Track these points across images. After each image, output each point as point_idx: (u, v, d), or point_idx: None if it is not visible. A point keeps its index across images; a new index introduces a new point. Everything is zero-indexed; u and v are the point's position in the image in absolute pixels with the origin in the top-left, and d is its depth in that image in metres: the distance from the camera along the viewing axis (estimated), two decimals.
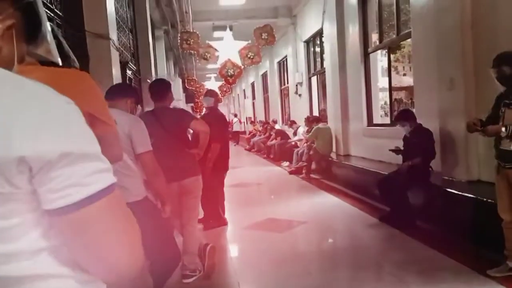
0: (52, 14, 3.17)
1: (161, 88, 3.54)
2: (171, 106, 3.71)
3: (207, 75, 21.75)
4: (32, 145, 0.63)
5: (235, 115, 23.31)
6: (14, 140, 0.62)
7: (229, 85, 13.58)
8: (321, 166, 8.55)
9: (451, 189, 4.42)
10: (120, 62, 5.07)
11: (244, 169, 10.71)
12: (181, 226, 3.54)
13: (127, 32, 6.48)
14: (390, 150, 4.99)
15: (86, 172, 0.67)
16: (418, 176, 4.69)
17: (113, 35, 4.47)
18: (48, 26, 0.89)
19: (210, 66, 14.70)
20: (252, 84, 21.24)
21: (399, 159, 5.13)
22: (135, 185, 2.60)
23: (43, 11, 0.86)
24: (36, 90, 0.68)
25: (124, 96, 2.76)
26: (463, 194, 4.19)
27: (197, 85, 17.11)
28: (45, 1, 3.01)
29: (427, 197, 4.79)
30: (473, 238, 3.89)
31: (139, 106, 3.44)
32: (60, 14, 3.40)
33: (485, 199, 3.86)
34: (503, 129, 3.00)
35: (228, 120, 13.16)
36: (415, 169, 4.70)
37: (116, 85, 3.15)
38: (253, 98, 21.58)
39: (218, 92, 18.95)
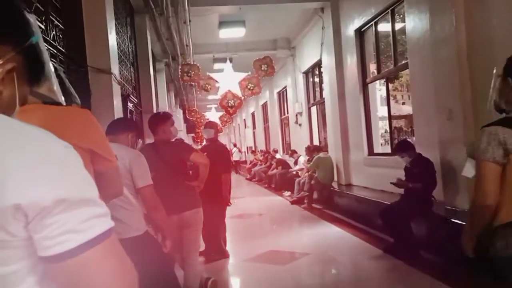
0: (55, 51, 3.23)
1: (160, 121, 3.56)
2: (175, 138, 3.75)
3: (207, 106, 21.94)
4: (28, 192, 0.63)
5: (235, 145, 23.37)
6: (10, 187, 0.62)
7: (229, 116, 13.68)
8: (323, 196, 8.50)
9: (454, 218, 4.38)
10: (122, 95, 5.12)
11: (246, 200, 10.64)
12: (182, 260, 3.49)
13: (129, 65, 6.58)
14: (391, 183, 4.96)
15: (82, 218, 0.66)
16: (421, 206, 4.65)
17: (115, 69, 4.54)
18: (51, 66, 0.90)
19: (210, 96, 14.88)
20: (253, 114, 21.40)
21: (401, 189, 5.10)
22: (136, 219, 2.58)
23: (45, 53, 0.86)
24: (33, 135, 0.68)
25: (125, 130, 2.78)
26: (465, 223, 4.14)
27: (198, 116, 17.23)
28: (48, 38, 3.08)
29: (430, 227, 4.74)
30: (478, 268, 3.82)
31: (139, 140, 3.45)
32: (63, 50, 3.46)
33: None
34: None
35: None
36: (417, 199, 4.67)
37: (117, 120, 3.17)
38: (254, 127, 21.69)
39: (219, 122, 19.09)
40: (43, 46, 0.84)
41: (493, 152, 1.74)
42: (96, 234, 0.67)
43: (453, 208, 4.78)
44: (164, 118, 3.59)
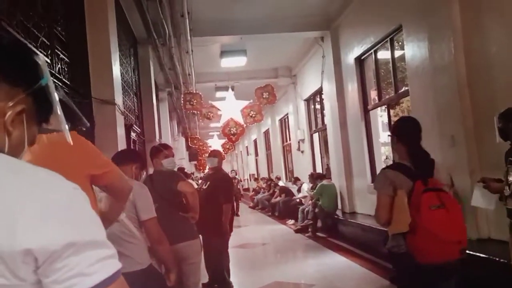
0: (60, 83, 3.27)
1: (151, 154, 3.68)
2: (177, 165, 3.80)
3: (210, 133, 22.03)
4: (38, 237, 0.63)
5: (236, 173, 23.29)
6: (19, 232, 0.62)
7: (232, 143, 13.71)
8: (327, 224, 8.40)
9: None
10: (125, 125, 5.15)
11: (249, 228, 10.54)
12: None
13: (132, 95, 6.65)
14: None
15: (90, 261, 0.66)
16: None
17: (119, 99, 4.58)
18: (59, 108, 0.90)
19: (213, 124, 14.96)
20: (255, 141, 21.45)
21: None
22: (140, 253, 2.54)
23: (54, 94, 0.87)
24: (41, 179, 0.69)
25: (129, 162, 2.77)
26: (474, 253, 4.07)
27: (200, 144, 17.28)
28: (53, 72, 3.12)
29: None
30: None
31: (143, 171, 3.45)
32: (68, 82, 3.50)
33: (497, 259, 3.75)
34: (506, 187, 2.95)
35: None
36: None
37: (121, 152, 3.18)
38: (256, 154, 21.71)
39: (221, 149, 19.12)
40: (53, 87, 0.84)
41: (386, 188, 2.43)
42: (105, 276, 0.67)
43: None
44: (156, 150, 3.67)
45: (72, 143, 1.00)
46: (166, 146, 3.81)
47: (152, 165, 3.63)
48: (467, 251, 4.11)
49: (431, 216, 2.30)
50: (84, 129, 1.62)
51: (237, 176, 19.73)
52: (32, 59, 0.80)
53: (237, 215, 12.53)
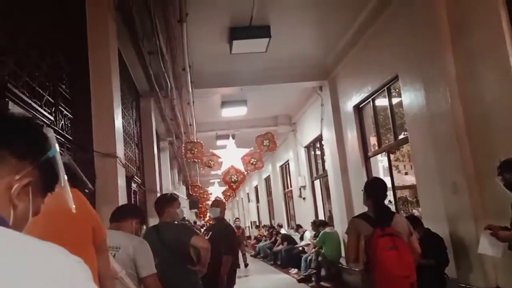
0: (63, 139, 3.32)
1: (167, 203, 3.57)
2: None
3: (210, 181, 21.97)
4: None
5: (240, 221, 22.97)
6: None
7: (233, 190, 13.64)
8: (331, 273, 8.21)
9: None
10: (126, 177, 5.16)
11: (251, 278, 10.27)
12: None
13: (133, 146, 6.71)
14: None
15: None
16: (434, 283, 4.47)
17: (120, 152, 4.62)
18: (65, 174, 0.92)
19: (213, 172, 14.95)
20: (256, 188, 21.35)
21: None
22: None
23: (60, 164, 0.89)
24: (43, 254, 0.69)
25: (129, 217, 2.77)
26: None
27: (201, 191, 17.19)
28: (56, 128, 3.18)
29: None
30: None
31: (144, 226, 3.43)
32: (71, 138, 3.56)
33: None
34: None
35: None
36: (430, 276, 4.49)
37: (121, 206, 3.17)
38: (257, 201, 21.54)
39: (222, 197, 18.99)
40: (59, 157, 0.86)
41: (352, 233, 3.12)
42: None
43: (467, 286, 4.59)
44: (171, 199, 3.61)
45: (75, 211, 1.02)
46: (177, 196, 3.80)
47: (160, 215, 3.52)
48: None
49: (385, 255, 2.93)
50: (87, 191, 1.66)
51: (241, 225, 19.30)
52: (40, 133, 0.83)
53: (246, 264, 12.52)
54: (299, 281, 8.97)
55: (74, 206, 1.02)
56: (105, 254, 1.89)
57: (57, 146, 0.86)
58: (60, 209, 1.31)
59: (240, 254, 10.14)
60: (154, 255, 2.94)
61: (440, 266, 4.51)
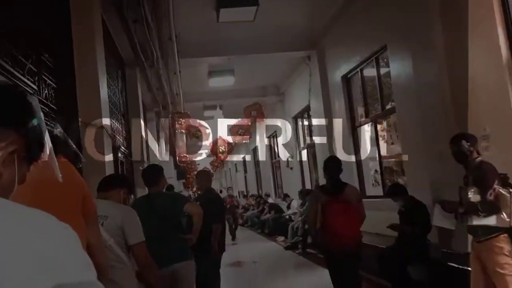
0: (47, 109, 3.26)
1: (154, 173, 3.58)
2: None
3: (198, 152, 21.97)
4: (25, 281, 0.62)
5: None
6: (7, 278, 0.62)
7: (220, 161, 13.70)
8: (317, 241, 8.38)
9: (450, 262, 4.34)
10: (113, 147, 5.12)
11: (239, 246, 10.46)
12: None
13: (120, 117, 6.63)
14: (388, 227, 4.93)
15: None
16: (417, 249, 4.61)
17: (106, 122, 4.57)
18: (50, 143, 0.91)
19: (201, 142, 14.94)
20: (244, 158, 21.43)
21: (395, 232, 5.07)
22: (128, 278, 2.53)
23: (46, 133, 0.88)
24: (30, 221, 0.68)
25: (117, 186, 2.77)
26: (463, 267, 4.11)
27: (189, 162, 17.21)
28: (40, 98, 3.12)
29: (427, 271, 4.67)
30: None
31: (131, 195, 3.44)
32: (55, 108, 3.50)
33: None
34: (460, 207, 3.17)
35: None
36: (413, 243, 4.63)
37: (108, 176, 3.17)
38: (245, 172, 21.67)
39: (210, 167, 19.04)
40: (44, 126, 0.85)
41: (313, 201, 3.98)
42: None
43: (449, 251, 4.74)
44: (162, 169, 3.63)
45: (61, 181, 1.01)
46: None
47: (153, 185, 3.53)
48: (457, 265, 4.18)
49: (335, 217, 3.74)
50: (80, 162, 1.65)
51: (234, 195, 19.28)
52: (25, 101, 0.82)
53: (233, 237, 11.97)
54: (286, 248, 9.17)
55: (60, 176, 1.02)
56: (96, 224, 1.89)
57: (41, 115, 0.85)
58: (47, 179, 1.31)
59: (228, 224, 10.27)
60: (145, 224, 2.97)
61: (423, 232, 4.64)
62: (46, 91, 3.32)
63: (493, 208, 3.06)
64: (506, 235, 3.05)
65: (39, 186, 1.34)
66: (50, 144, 0.91)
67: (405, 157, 6.04)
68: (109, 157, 4.52)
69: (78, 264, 0.70)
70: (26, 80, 2.74)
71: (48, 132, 1.61)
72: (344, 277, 3.85)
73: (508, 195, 3.06)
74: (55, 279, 0.64)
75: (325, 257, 4.29)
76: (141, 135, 7.89)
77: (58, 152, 1.59)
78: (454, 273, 4.20)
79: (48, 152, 0.90)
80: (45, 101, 3.22)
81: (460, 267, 4.15)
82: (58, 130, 1.74)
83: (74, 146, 1.73)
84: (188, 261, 3.41)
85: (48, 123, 3.26)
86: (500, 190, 3.09)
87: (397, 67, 5.75)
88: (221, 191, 19.30)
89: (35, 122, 0.81)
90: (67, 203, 1.49)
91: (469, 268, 3.99)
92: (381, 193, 7.23)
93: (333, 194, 3.89)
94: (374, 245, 5.86)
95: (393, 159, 13.71)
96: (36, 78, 3.11)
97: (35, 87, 3.00)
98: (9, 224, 0.67)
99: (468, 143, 3.30)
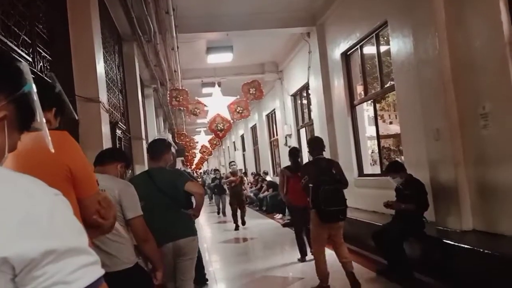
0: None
1: (161, 147, 3.53)
2: None
3: (196, 129, 21.95)
4: (15, 245, 0.62)
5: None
6: None
7: (219, 139, 13.68)
8: None
9: (446, 239, 4.38)
10: (110, 123, 5.10)
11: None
12: None
13: (117, 92, 6.58)
14: (384, 205, 4.94)
15: (71, 268, 0.65)
16: (413, 227, 4.65)
17: (103, 97, 4.53)
18: (41, 112, 0.89)
19: (199, 120, 14.89)
20: (242, 137, 21.43)
21: (392, 210, 5.09)
22: (126, 252, 2.53)
23: (36, 99, 0.86)
24: (21, 187, 0.68)
25: (114, 160, 2.74)
26: (458, 244, 4.15)
27: (187, 140, 17.21)
28: (35, 70, 3.07)
29: (423, 249, 4.73)
30: None
31: (129, 170, 3.42)
32: (50, 81, 3.45)
33: (481, 250, 3.82)
34: None
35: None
36: (409, 220, 4.66)
37: (105, 150, 3.13)
38: (243, 150, 21.70)
39: (208, 145, 19.04)
40: (35, 94, 0.83)
41: (281, 176, 6.15)
42: (86, 283, 0.66)
43: (445, 229, 4.79)
44: (169, 145, 3.59)
45: (53, 151, 0.99)
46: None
47: (157, 160, 3.47)
48: (453, 242, 4.22)
49: (293, 187, 5.62)
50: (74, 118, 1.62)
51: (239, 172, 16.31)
52: (14, 66, 0.80)
53: (242, 222, 10.06)
54: (284, 225, 9.25)
55: (52, 146, 1.00)
56: (92, 197, 1.77)
57: (33, 83, 0.82)
58: (32, 149, 1.28)
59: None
60: (147, 200, 2.97)
61: (420, 210, 4.66)
62: (41, 64, 3.27)
63: None
64: None
65: (29, 155, 1.32)
66: (42, 114, 0.89)
67: (403, 135, 6.04)
68: (106, 132, 4.50)
69: (69, 230, 0.69)
70: (19, 51, 2.69)
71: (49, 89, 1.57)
72: (298, 219, 5.88)
73: None
74: (46, 244, 0.64)
75: (288, 209, 7.16)
76: (139, 111, 7.85)
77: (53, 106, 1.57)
78: (449, 250, 4.25)
79: (40, 121, 0.89)
80: (40, 74, 3.17)
81: (456, 244, 4.19)
82: (49, 74, 1.70)
83: (66, 96, 1.69)
84: (192, 236, 3.41)
85: (48, 69, 3.20)
86: None
87: (397, 43, 5.68)
88: (215, 170, 18.75)
89: (25, 89, 0.79)
90: (52, 174, 1.45)
91: (465, 246, 4.05)
92: (379, 172, 7.26)
93: (293, 172, 5.76)
94: (371, 223, 5.91)
95: (391, 138, 13.80)
96: (31, 49, 3.06)
97: (29, 59, 2.95)
98: (1, 188, 0.66)
99: None
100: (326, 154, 8.64)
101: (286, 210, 9.48)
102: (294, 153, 6.14)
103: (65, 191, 1.50)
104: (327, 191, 4.18)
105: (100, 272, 0.70)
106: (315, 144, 4.70)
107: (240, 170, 14.32)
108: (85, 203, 1.54)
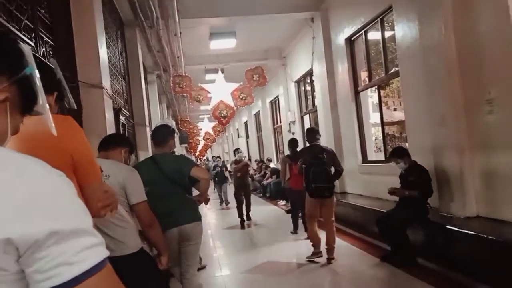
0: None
1: (165, 133, 3.52)
2: None
3: (200, 116, 21.93)
4: (19, 226, 0.62)
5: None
6: (1, 222, 0.61)
7: (222, 126, 13.67)
8: None
9: (450, 225, 4.38)
10: (114, 109, 5.09)
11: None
12: (181, 274, 3.43)
13: (120, 78, 6.55)
14: (389, 192, 4.94)
15: (75, 249, 0.65)
16: (417, 213, 4.65)
17: (106, 83, 4.51)
18: (44, 96, 0.88)
19: (203, 107, 14.87)
20: (246, 124, 21.39)
21: (396, 197, 5.09)
22: (131, 237, 2.54)
23: (39, 82, 0.85)
24: (25, 168, 0.67)
25: (118, 146, 2.74)
26: (462, 230, 4.15)
27: (191, 126, 17.20)
28: (37, 55, 3.05)
29: (427, 235, 4.73)
30: (475, 275, 3.82)
31: (133, 155, 3.41)
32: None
33: (485, 236, 3.82)
34: None
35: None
36: (413, 207, 4.66)
37: (109, 136, 3.13)
38: (247, 137, 21.68)
39: (212, 132, 19.02)
40: (37, 76, 0.82)
41: (283, 164, 6.93)
42: (90, 265, 0.66)
43: (448, 215, 4.79)
44: (174, 131, 3.57)
45: (56, 134, 0.98)
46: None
47: (161, 146, 3.45)
48: (456, 228, 4.22)
49: (293, 173, 6.25)
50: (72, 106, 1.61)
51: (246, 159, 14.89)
52: (16, 48, 0.79)
53: (248, 216, 9.03)
54: (287, 212, 9.25)
55: (54, 129, 0.99)
56: (94, 184, 1.72)
57: (35, 66, 0.81)
58: (35, 133, 1.27)
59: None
60: (153, 185, 2.97)
61: (424, 196, 4.65)
62: (44, 49, 3.25)
63: None
64: None
65: (32, 139, 1.31)
66: (44, 97, 0.88)
67: (407, 122, 6.00)
68: (109, 119, 4.49)
69: (74, 211, 0.69)
70: (22, 36, 2.67)
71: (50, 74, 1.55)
72: (296, 201, 6.61)
73: None
74: (50, 225, 0.64)
75: (286, 192, 7.73)
76: (143, 98, 7.83)
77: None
78: (453, 237, 4.25)
79: (42, 105, 0.88)
80: (42, 59, 3.15)
81: (460, 230, 4.18)
82: (60, 73, 1.69)
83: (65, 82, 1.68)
84: (197, 222, 3.42)
85: (50, 54, 3.19)
86: None
87: (403, 28, 5.61)
88: (216, 158, 18.41)
89: (27, 71, 0.79)
90: (58, 158, 1.44)
91: (469, 232, 4.05)
92: (383, 159, 7.24)
93: (293, 160, 6.29)
94: (375, 209, 5.91)
95: (395, 125, 13.74)
96: (33, 34, 3.04)
97: (31, 43, 2.92)
98: (3, 171, 0.65)
99: None
100: (330, 140, 8.73)
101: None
102: (293, 143, 6.90)
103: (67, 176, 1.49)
104: (316, 171, 5.00)
105: (105, 253, 0.69)
106: (311, 133, 5.46)
107: (245, 157, 14.16)
108: (87, 190, 1.53)
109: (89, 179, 1.54)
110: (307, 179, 5.07)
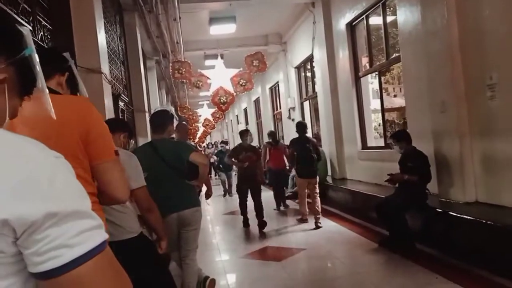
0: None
1: (164, 118, 3.50)
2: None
3: (199, 102, 21.86)
4: (16, 207, 0.61)
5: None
6: None
7: (222, 112, 13.63)
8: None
9: (449, 211, 4.40)
10: (113, 94, 5.07)
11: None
12: (180, 259, 3.46)
13: (119, 64, 6.51)
14: (386, 180, 4.95)
15: (73, 232, 0.64)
16: (416, 199, 4.66)
17: (105, 68, 4.48)
18: (43, 79, 0.87)
19: (202, 93, 14.79)
20: (245, 110, 21.35)
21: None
22: (130, 222, 2.55)
23: (38, 65, 0.84)
24: (22, 149, 0.66)
25: (117, 130, 2.72)
26: (461, 216, 4.16)
27: (190, 113, 17.15)
28: (35, 39, 3.02)
29: (425, 220, 4.75)
30: (474, 260, 3.85)
31: (132, 140, 3.40)
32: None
33: (484, 221, 3.84)
34: None
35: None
36: (412, 192, 4.67)
37: (108, 120, 3.11)
38: (246, 123, 21.65)
39: (211, 118, 18.98)
40: (36, 58, 0.81)
41: (263, 148, 8.86)
42: (89, 248, 0.65)
43: (447, 200, 4.80)
44: (172, 117, 3.56)
45: (54, 117, 0.97)
46: None
47: (160, 132, 3.43)
48: (455, 214, 4.24)
49: (274, 155, 8.46)
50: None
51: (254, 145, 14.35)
52: (15, 29, 0.78)
53: (262, 224, 6.68)
54: (287, 198, 9.29)
55: (53, 112, 0.98)
56: (111, 162, 1.69)
57: (34, 48, 0.80)
58: (40, 117, 1.26)
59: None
60: (152, 170, 2.97)
61: (422, 182, 4.66)
62: (42, 33, 3.21)
63: None
64: None
65: (33, 123, 1.31)
66: (43, 79, 0.87)
67: (407, 107, 5.98)
68: (108, 104, 4.47)
69: (71, 193, 0.68)
70: (20, 20, 2.64)
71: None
72: (277, 180, 8.41)
73: None
74: (47, 206, 0.63)
75: (268, 172, 8.73)
76: (142, 84, 7.80)
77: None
78: (452, 222, 4.27)
79: (41, 87, 0.87)
80: (40, 43, 3.12)
81: (458, 215, 4.20)
82: (72, 61, 1.71)
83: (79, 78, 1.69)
84: (198, 207, 3.43)
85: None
86: None
87: (405, 13, 5.55)
88: (212, 144, 18.36)
89: (26, 53, 0.78)
90: (63, 143, 1.44)
91: (467, 217, 4.06)
92: (382, 145, 7.24)
93: (274, 145, 8.35)
94: (374, 195, 5.93)
95: (395, 112, 13.70)
96: (31, 18, 3.00)
97: (29, 27, 2.89)
98: (1, 151, 0.64)
99: None
100: (330, 126, 8.74)
101: (289, 182, 9.54)
102: (273, 135, 8.89)
103: (76, 160, 1.49)
104: (304, 157, 6.47)
105: (104, 236, 0.69)
106: (300, 127, 6.78)
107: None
108: (100, 169, 1.54)
109: (106, 157, 1.55)
110: (298, 163, 6.57)
